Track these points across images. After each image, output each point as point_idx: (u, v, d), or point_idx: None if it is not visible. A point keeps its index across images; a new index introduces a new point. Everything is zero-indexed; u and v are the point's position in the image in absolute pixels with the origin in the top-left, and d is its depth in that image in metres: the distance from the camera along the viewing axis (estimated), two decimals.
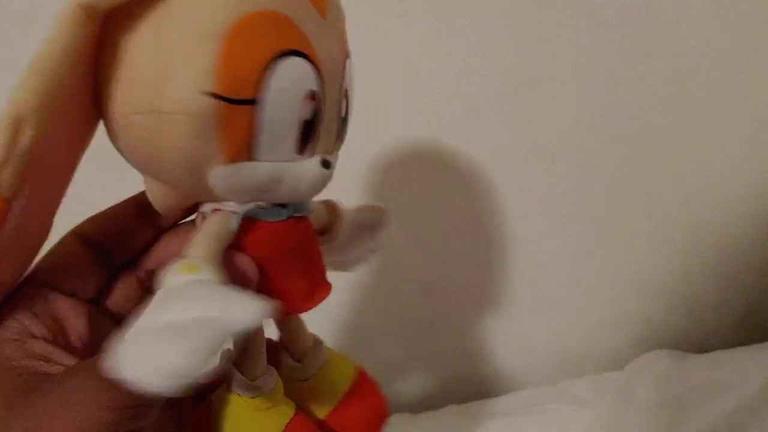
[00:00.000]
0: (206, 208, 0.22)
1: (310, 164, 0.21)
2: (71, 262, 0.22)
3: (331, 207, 0.28)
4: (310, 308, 0.24)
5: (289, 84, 0.19)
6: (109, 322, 0.23)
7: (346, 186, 0.52)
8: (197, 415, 0.25)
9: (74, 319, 0.21)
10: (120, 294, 0.24)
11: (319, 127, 0.21)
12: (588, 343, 0.59)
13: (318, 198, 0.24)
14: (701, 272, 0.57)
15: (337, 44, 0.22)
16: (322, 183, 0.22)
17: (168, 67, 0.18)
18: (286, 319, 0.26)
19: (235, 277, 0.21)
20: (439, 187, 0.53)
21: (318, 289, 0.25)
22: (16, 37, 0.47)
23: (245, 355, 0.23)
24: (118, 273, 0.24)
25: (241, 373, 0.23)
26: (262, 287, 0.22)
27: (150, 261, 0.24)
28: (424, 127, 0.51)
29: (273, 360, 0.25)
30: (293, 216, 0.23)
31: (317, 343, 0.27)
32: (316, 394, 0.27)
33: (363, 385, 0.28)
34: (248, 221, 0.22)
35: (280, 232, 0.22)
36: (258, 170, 0.20)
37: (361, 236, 0.30)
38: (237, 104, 0.19)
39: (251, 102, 0.19)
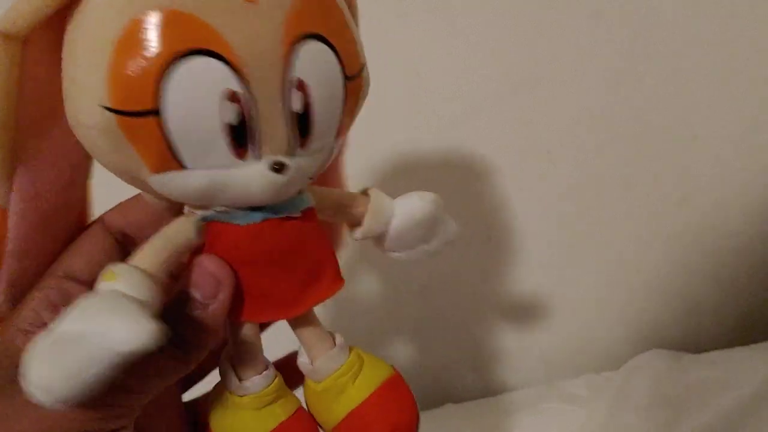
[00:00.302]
0: (186, 208, 0.21)
1: (256, 168, 0.19)
2: (95, 252, 0.22)
3: (365, 197, 0.25)
4: (301, 311, 0.24)
5: (193, 88, 0.17)
6: None
7: (347, 181, 0.52)
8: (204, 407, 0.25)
9: None
10: None
11: (253, 128, 0.19)
12: (585, 343, 0.59)
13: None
14: (699, 272, 0.58)
15: (277, 29, 0.19)
16: (276, 189, 0.20)
17: (78, 80, 0.18)
18: (295, 322, 0.25)
19: (205, 282, 0.20)
20: (438, 187, 0.53)
21: (313, 290, 0.23)
22: None
23: (240, 354, 0.23)
24: None
25: (235, 372, 0.23)
26: (238, 292, 0.21)
27: None
28: (423, 127, 0.51)
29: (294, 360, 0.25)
30: (273, 217, 0.21)
31: (338, 346, 0.25)
32: (331, 397, 0.25)
33: (386, 394, 0.26)
34: (219, 225, 0.21)
35: (255, 235, 0.21)
36: (191, 178, 0.19)
37: (411, 232, 0.27)
38: (136, 116, 0.17)
39: (150, 113, 0.17)
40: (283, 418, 0.23)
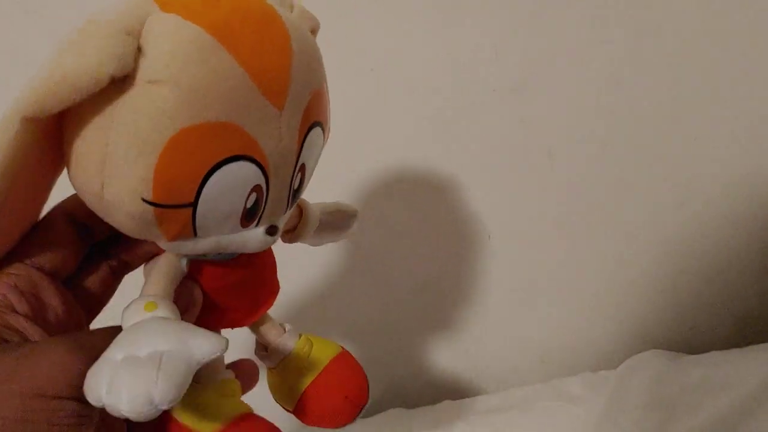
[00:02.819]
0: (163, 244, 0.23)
1: (255, 234, 0.23)
2: (57, 241, 0.23)
3: (300, 209, 0.29)
4: (253, 321, 0.28)
5: (229, 187, 0.20)
6: (79, 305, 0.24)
7: (343, 183, 0.52)
8: None
9: (53, 298, 0.23)
10: (93, 275, 0.25)
11: (263, 208, 0.22)
12: (582, 342, 0.59)
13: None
14: (696, 273, 0.58)
15: (294, 128, 0.22)
16: (267, 245, 0.24)
17: (112, 168, 0.19)
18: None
19: (183, 301, 0.23)
20: (437, 185, 0.53)
21: (264, 301, 0.27)
22: None
23: None
24: (94, 256, 0.25)
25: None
26: (212, 309, 0.25)
27: (123, 248, 0.25)
28: (423, 125, 0.51)
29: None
30: (244, 253, 0.24)
31: (288, 332, 0.29)
32: (289, 377, 0.29)
33: (336, 370, 0.29)
34: (198, 262, 0.24)
35: (229, 270, 0.25)
36: (201, 243, 0.22)
37: (328, 235, 0.32)
38: (173, 208, 0.20)
39: (188, 205, 0.20)
40: (245, 411, 0.26)
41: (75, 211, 0.24)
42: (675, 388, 0.49)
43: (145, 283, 0.23)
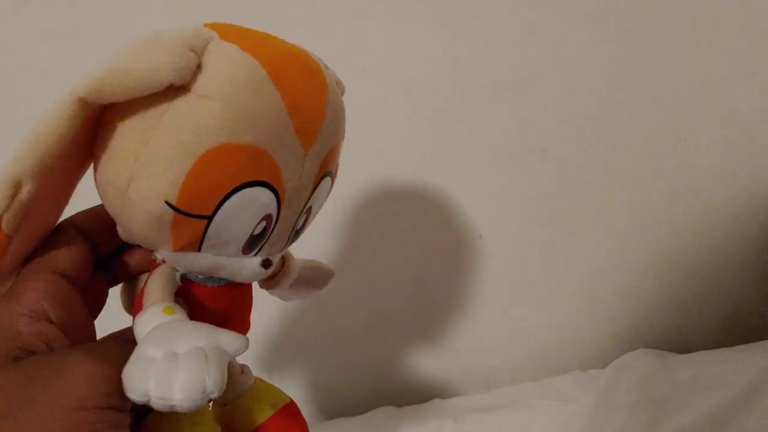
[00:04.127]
0: (159, 255, 0.24)
1: (251, 263, 0.24)
2: (77, 252, 0.24)
3: (283, 260, 0.30)
4: None
5: (246, 209, 0.22)
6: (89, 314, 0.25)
7: (336, 182, 0.52)
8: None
9: (78, 306, 0.23)
10: (95, 288, 0.25)
11: (267, 240, 0.23)
12: (572, 341, 0.59)
13: None
14: (685, 273, 0.58)
15: (313, 171, 0.24)
16: (259, 277, 0.25)
17: (145, 165, 0.20)
18: None
19: None
20: (429, 183, 0.53)
21: (240, 331, 0.27)
22: None
23: None
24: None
25: None
26: None
27: (118, 263, 0.26)
28: (413, 123, 0.51)
29: None
30: (231, 283, 0.25)
31: (245, 372, 0.29)
32: (234, 419, 0.29)
33: (287, 416, 0.30)
34: (191, 283, 0.25)
35: (215, 296, 0.25)
36: (200, 260, 0.23)
37: (303, 290, 0.33)
38: (191, 217, 0.21)
39: (205, 217, 0.21)
40: None
41: (83, 226, 0.25)
42: (664, 387, 0.49)
43: (147, 293, 0.23)
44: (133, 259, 0.26)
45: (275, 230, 0.23)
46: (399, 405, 0.56)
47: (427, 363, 0.59)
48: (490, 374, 0.59)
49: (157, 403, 0.18)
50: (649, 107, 0.53)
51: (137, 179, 0.20)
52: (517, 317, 0.58)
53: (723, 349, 0.53)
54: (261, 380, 0.31)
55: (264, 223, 0.23)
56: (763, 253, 0.57)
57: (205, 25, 0.22)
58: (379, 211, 0.53)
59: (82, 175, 0.24)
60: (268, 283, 0.30)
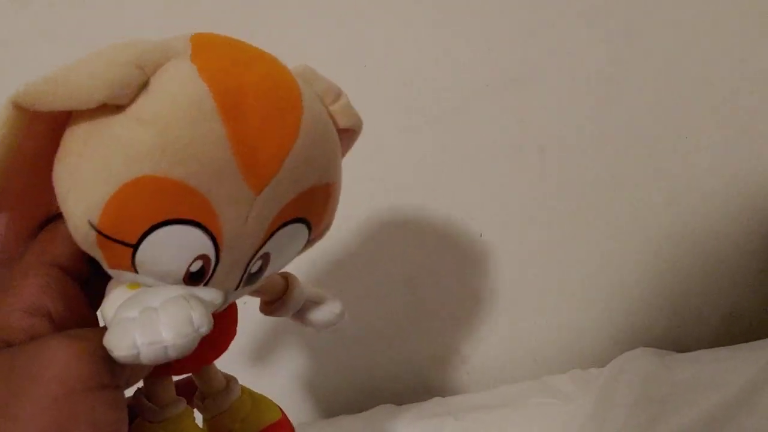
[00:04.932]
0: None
1: (203, 292, 0.21)
2: (73, 243, 0.23)
3: (287, 283, 0.29)
4: (201, 368, 0.28)
5: (173, 246, 0.20)
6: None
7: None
8: None
9: (78, 300, 0.22)
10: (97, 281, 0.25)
11: (209, 279, 0.21)
12: (572, 340, 0.59)
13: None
14: (685, 272, 0.58)
15: (266, 217, 0.21)
16: (214, 308, 0.22)
17: (78, 180, 0.19)
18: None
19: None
20: (429, 182, 0.53)
21: (219, 350, 0.27)
22: None
23: (153, 387, 0.26)
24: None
25: (149, 402, 0.25)
26: None
27: None
28: (413, 120, 0.51)
29: (189, 398, 0.28)
30: None
31: (230, 386, 0.29)
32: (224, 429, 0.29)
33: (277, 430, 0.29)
34: None
35: None
36: (142, 279, 0.21)
37: (306, 320, 0.30)
38: (114, 242, 0.20)
39: (128, 245, 0.19)
40: None
41: None
42: (664, 386, 0.49)
43: (109, 284, 0.22)
44: None
45: (217, 271, 0.21)
46: (399, 403, 0.56)
47: (428, 361, 0.59)
48: (489, 373, 0.59)
49: (148, 351, 0.18)
50: (649, 107, 0.52)
51: (72, 191, 0.20)
52: (518, 316, 0.58)
53: (722, 348, 0.53)
54: (249, 393, 0.30)
55: (201, 262, 0.20)
56: (763, 253, 0.57)
57: (195, 35, 0.21)
58: (379, 209, 0.53)
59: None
60: (270, 308, 0.29)
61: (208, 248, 0.20)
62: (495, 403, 0.54)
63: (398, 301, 0.57)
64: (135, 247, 0.19)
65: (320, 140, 0.22)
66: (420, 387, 0.59)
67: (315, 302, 0.30)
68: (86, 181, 0.19)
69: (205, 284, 0.21)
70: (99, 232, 0.19)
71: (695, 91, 0.52)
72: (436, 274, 0.56)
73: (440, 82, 0.50)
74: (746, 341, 0.54)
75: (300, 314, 0.30)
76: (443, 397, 0.57)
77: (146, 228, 0.19)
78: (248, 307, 0.30)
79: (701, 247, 0.57)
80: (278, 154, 0.20)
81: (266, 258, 0.23)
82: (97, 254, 0.21)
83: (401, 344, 0.58)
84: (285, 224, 0.22)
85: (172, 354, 0.18)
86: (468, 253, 0.56)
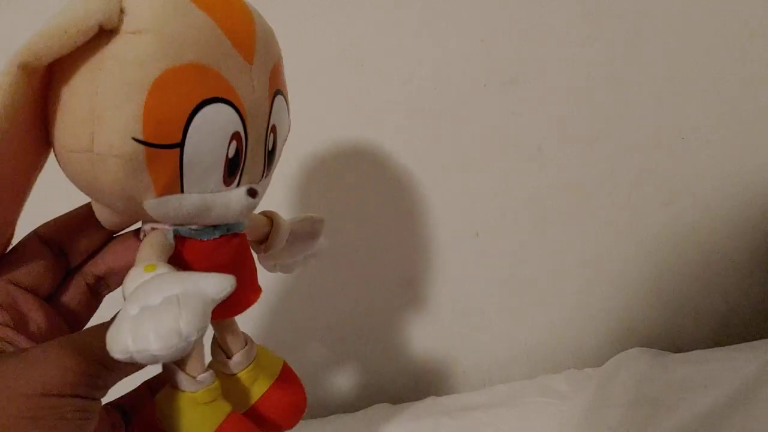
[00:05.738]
0: (146, 226, 0.25)
1: (237, 194, 0.24)
2: (32, 261, 0.24)
3: (270, 218, 0.31)
4: (239, 312, 0.28)
5: (212, 128, 0.22)
6: (62, 319, 0.25)
7: (332, 177, 0.52)
8: (141, 417, 0.27)
9: (34, 312, 0.24)
10: (71, 294, 0.26)
11: (243, 162, 0.24)
12: (567, 339, 0.59)
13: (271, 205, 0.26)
14: (682, 273, 0.58)
15: (264, 85, 0.24)
16: (249, 209, 0.25)
17: (100, 115, 0.20)
18: (220, 322, 0.29)
19: None
20: (426, 180, 0.53)
21: (247, 296, 0.27)
22: None
23: (187, 355, 0.26)
24: (70, 274, 0.26)
25: (184, 372, 0.26)
26: None
27: (97, 266, 0.27)
28: (411, 119, 0.51)
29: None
30: (226, 234, 0.25)
31: (248, 342, 0.30)
32: (244, 387, 0.30)
33: (286, 379, 0.31)
34: (185, 240, 0.25)
35: (214, 249, 0.25)
36: (187, 201, 0.23)
37: (299, 244, 0.33)
38: (162, 148, 0.21)
39: (176, 146, 0.21)
40: (229, 410, 0.27)
41: (49, 236, 0.25)
42: (659, 386, 0.49)
43: (138, 258, 0.23)
44: (115, 256, 0.26)
45: (248, 151, 0.24)
46: (394, 402, 0.56)
47: (423, 361, 0.59)
48: (485, 372, 0.59)
49: (139, 357, 0.18)
50: (647, 106, 0.52)
51: (98, 132, 0.20)
52: (513, 315, 0.58)
53: (718, 348, 0.54)
54: (258, 348, 0.31)
55: (235, 143, 0.23)
56: (760, 253, 0.58)
57: None
58: (375, 208, 0.53)
59: (38, 173, 0.23)
60: (264, 245, 0.30)
61: (237, 124, 0.22)
62: (491, 402, 0.54)
63: (394, 301, 0.57)
64: (181, 146, 0.21)
65: (267, 26, 0.25)
66: (415, 386, 0.59)
67: (298, 221, 0.32)
68: (112, 109, 0.20)
69: (240, 177, 0.24)
70: (147, 143, 0.20)
71: (693, 92, 0.52)
72: (433, 274, 0.56)
73: (438, 82, 0.50)
74: (742, 341, 0.54)
75: (292, 241, 0.32)
76: (439, 396, 0.57)
77: (185, 118, 0.21)
78: None
79: (699, 247, 0.57)
80: (249, 30, 0.23)
81: (274, 131, 0.26)
82: (145, 182, 0.21)
83: (397, 344, 0.58)
84: (275, 95, 0.25)
85: (164, 360, 0.19)
86: (464, 253, 0.56)
